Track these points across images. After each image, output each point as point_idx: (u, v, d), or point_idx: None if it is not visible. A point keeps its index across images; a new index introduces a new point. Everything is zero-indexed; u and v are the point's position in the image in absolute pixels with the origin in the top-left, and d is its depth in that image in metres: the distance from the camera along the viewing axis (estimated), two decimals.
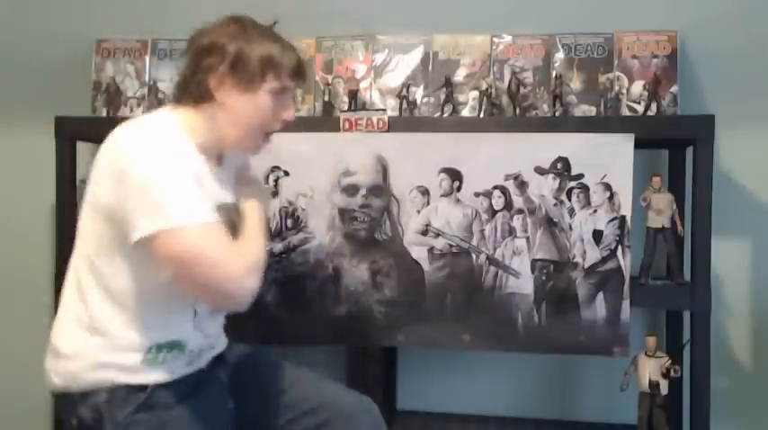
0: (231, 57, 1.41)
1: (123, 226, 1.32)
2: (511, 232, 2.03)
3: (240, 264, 1.32)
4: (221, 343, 1.64)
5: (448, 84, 2.18)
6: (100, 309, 1.41)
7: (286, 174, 2.10)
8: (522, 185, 2.01)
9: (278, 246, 2.10)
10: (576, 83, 2.15)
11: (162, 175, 1.30)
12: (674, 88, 2.10)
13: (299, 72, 1.51)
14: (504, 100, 2.17)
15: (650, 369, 2.03)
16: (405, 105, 2.20)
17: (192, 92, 1.44)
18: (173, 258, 1.29)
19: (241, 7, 2.42)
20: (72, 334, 1.44)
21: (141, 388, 1.40)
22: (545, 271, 2.01)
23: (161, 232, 1.27)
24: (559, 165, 1.99)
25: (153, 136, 1.37)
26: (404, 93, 2.20)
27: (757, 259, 2.26)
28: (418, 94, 2.22)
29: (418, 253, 2.05)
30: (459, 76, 2.21)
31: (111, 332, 1.41)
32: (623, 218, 1.98)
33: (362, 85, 2.24)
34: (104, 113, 2.32)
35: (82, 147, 2.32)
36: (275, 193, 2.11)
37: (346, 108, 2.20)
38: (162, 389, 1.42)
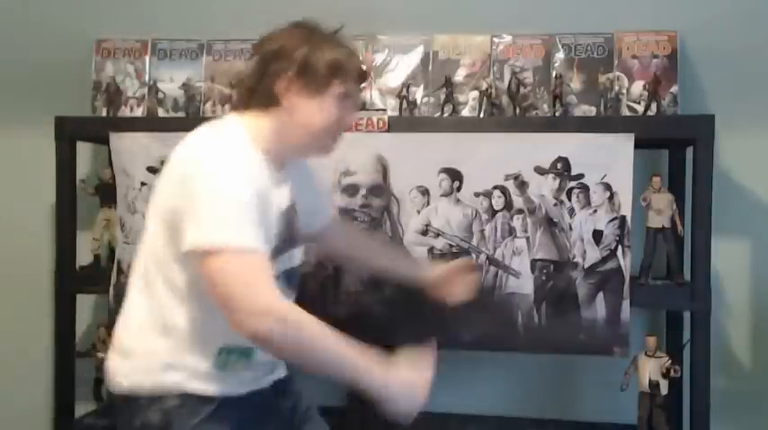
0: (299, 62, 1.41)
1: (178, 231, 1.32)
2: (511, 232, 2.03)
3: (260, 302, 1.27)
4: (281, 368, 1.58)
5: (448, 84, 2.18)
6: (170, 309, 1.39)
7: None
8: (522, 185, 2.01)
9: None
10: (575, 83, 2.15)
11: (221, 192, 1.29)
12: (674, 88, 2.10)
13: (364, 76, 1.53)
14: (504, 100, 2.17)
15: (650, 369, 2.03)
16: (405, 105, 2.20)
17: (259, 97, 1.43)
18: (205, 274, 1.28)
19: (241, 7, 2.43)
20: (141, 334, 1.41)
21: (210, 399, 1.39)
22: (545, 271, 2.01)
23: (202, 248, 1.27)
24: (559, 165, 1.99)
25: (224, 147, 1.37)
26: (404, 93, 2.20)
27: (757, 259, 2.25)
28: (418, 94, 2.21)
29: (418, 253, 2.05)
30: (460, 76, 2.21)
31: (182, 332, 1.38)
32: (623, 218, 1.98)
33: (362, 84, 2.23)
34: (104, 113, 2.31)
35: (82, 147, 2.32)
36: None
37: None
38: (230, 404, 1.41)
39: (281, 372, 1.58)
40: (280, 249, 1.42)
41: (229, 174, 1.32)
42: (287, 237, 1.45)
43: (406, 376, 1.39)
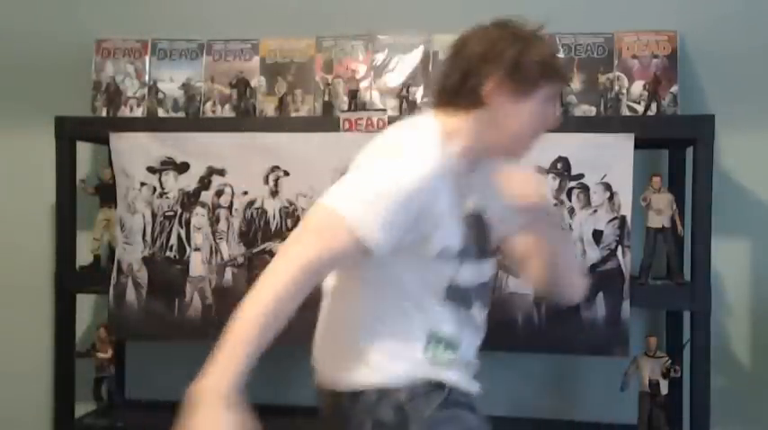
0: (509, 63, 1.36)
1: None
2: None
3: (309, 254, 1.23)
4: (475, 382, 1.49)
5: None
6: (381, 297, 1.36)
7: (286, 174, 2.10)
8: None
9: (278, 246, 2.09)
10: (576, 83, 2.14)
11: (384, 181, 1.28)
12: (674, 88, 2.10)
13: (567, 76, 1.50)
14: None
15: (650, 369, 2.03)
16: (405, 105, 2.20)
17: (463, 98, 1.38)
18: (305, 217, 1.28)
19: (241, 7, 2.43)
20: (358, 325, 1.37)
21: (440, 385, 1.35)
22: None
23: (329, 205, 1.26)
24: (559, 165, 1.99)
25: (414, 143, 1.35)
26: (404, 93, 2.20)
27: (757, 259, 2.25)
28: (418, 94, 2.21)
29: None
30: None
31: (390, 324, 1.35)
32: (623, 218, 1.98)
33: (362, 85, 2.24)
34: (104, 113, 2.31)
35: (82, 147, 2.32)
36: (275, 193, 2.11)
37: (346, 108, 2.19)
38: (458, 392, 1.37)
39: (476, 384, 1.49)
40: (467, 254, 1.37)
41: (403, 170, 1.29)
42: (476, 245, 1.39)
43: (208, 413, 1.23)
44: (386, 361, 1.35)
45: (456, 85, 1.40)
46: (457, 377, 1.38)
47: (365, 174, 1.32)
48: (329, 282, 1.43)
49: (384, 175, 1.29)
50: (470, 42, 1.42)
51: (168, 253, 2.16)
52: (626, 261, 1.98)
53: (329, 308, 1.43)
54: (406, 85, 2.21)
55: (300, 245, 1.24)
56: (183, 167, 2.15)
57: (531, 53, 1.38)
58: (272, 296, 1.22)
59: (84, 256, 2.31)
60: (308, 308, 2.05)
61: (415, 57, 2.24)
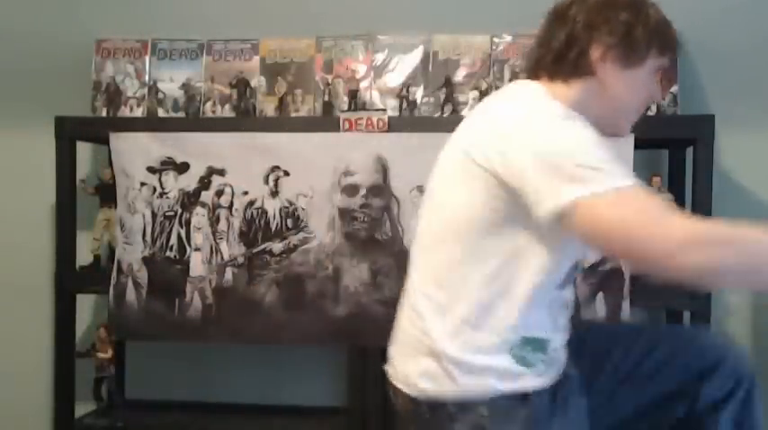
0: (621, 29, 1.28)
1: (518, 198, 1.18)
2: None
3: (677, 231, 1.10)
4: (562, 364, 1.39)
5: (448, 84, 2.18)
6: (476, 298, 1.25)
7: (286, 174, 2.10)
8: None
9: (278, 246, 2.10)
10: None
11: (569, 140, 1.16)
12: (674, 88, 2.10)
13: (679, 46, 1.39)
14: None
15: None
16: (405, 105, 2.20)
17: (566, 67, 1.30)
18: (590, 228, 1.14)
19: (241, 7, 2.43)
20: (442, 328, 1.27)
21: (521, 397, 1.25)
22: None
23: (581, 200, 1.12)
24: None
25: (539, 101, 1.25)
26: (404, 93, 2.20)
27: None
28: (418, 93, 2.21)
29: None
30: (459, 76, 2.20)
31: (485, 323, 1.25)
32: None
33: (362, 84, 2.24)
34: (104, 113, 2.31)
35: (82, 147, 2.32)
36: (275, 193, 2.11)
37: (346, 108, 2.20)
38: (539, 399, 1.27)
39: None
40: None
41: (560, 120, 1.20)
42: None
43: None
44: (469, 371, 1.25)
45: (559, 53, 1.31)
46: (542, 379, 1.29)
47: (562, 153, 1.15)
48: (425, 257, 1.34)
49: (572, 140, 1.17)
50: (575, 6, 1.32)
51: (168, 253, 2.16)
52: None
53: (422, 289, 1.33)
54: (406, 85, 2.21)
55: (663, 226, 1.10)
56: (183, 167, 2.15)
57: (644, 20, 1.30)
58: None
59: (84, 256, 2.31)
60: (301, 309, 2.07)
61: (415, 57, 2.24)
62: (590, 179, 1.13)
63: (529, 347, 1.27)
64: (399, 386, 1.34)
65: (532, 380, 1.27)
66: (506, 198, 1.22)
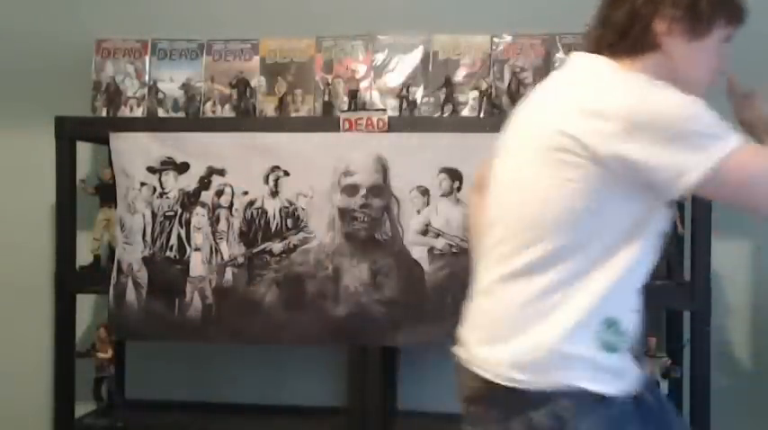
0: (684, 1, 1.25)
1: (633, 178, 1.17)
2: None
3: None
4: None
5: (448, 84, 2.18)
6: (564, 279, 1.21)
7: (286, 174, 2.10)
8: None
9: (278, 246, 2.10)
10: None
11: (676, 106, 1.17)
12: None
13: (746, 14, 1.36)
14: (505, 100, 2.17)
15: (650, 369, 2.02)
16: (405, 105, 2.20)
17: (630, 43, 1.27)
18: (730, 186, 1.18)
19: (241, 7, 2.44)
20: (525, 312, 1.23)
21: (607, 399, 1.21)
22: None
23: (723, 161, 1.14)
24: None
25: (623, 74, 1.24)
26: (404, 93, 2.20)
27: (757, 259, 2.25)
28: (418, 93, 2.21)
29: (418, 253, 2.05)
30: (459, 76, 2.21)
31: (566, 307, 1.21)
32: None
33: (362, 85, 2.24)
34: (104, 113, 2.31)
35: (82, 147, 2.32)
36: (275, 193, 2.11)
37: (346, 108, 2.19)
38: (623, 403, 1.23)
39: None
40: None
41: (664, 89, 1.19)
42: None
43: None
44: (549, 362, 1.21)
45: (622, 30, 1.28)
46: (625, 382, 1.25)
47: (678, 122, 1.16)
48: (502, 231, 1.30)
49: (681, 107, 1.18)
50: None
51: (168, 253, 2.16)
52: None
53: (502, 297, 1.29)
54: (406, 85, 2.21)
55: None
56: (182, 167, 2.15)
57: None
58: None
59: (84, 256, 2.31)
60: (301, 309, 2.08)
61: (415, 57, 2.24)
62: (719, 137, 1.16)
63: (611, 330, 1.23)
64: (476, 370, 1.28)
65: (620, 382, 1.24)
66: (611, 182, 1.19)
